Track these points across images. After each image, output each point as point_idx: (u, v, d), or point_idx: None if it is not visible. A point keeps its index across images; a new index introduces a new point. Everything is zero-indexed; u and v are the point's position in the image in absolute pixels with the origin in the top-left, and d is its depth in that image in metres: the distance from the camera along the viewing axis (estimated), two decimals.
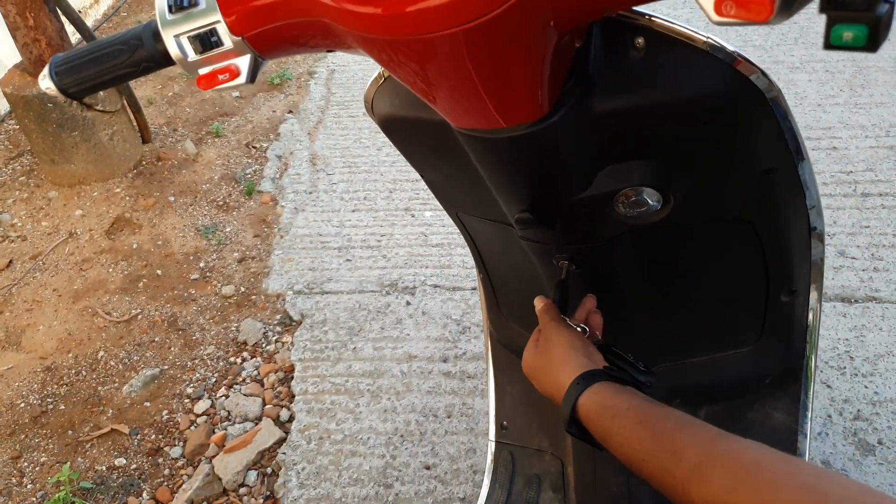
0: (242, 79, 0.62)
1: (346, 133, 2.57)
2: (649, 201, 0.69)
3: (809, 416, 0.95)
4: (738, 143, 0.65)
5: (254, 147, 2.55)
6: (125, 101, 2.33)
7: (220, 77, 0.62)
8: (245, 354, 1.79)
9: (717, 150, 0.65)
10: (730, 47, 0.58)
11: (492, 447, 1.21)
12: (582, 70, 0.58)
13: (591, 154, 0.65)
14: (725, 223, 0.79)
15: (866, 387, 1.51)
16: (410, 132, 0.76)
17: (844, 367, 1.55)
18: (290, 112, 2.73)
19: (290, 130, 2.60)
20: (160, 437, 1.61)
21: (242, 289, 1.97)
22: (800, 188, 0.73)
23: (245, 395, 1.67)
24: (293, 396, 1.65)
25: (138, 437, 1.61)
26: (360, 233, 2.10)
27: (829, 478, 0.48)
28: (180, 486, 1.51)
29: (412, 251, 2.02)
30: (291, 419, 1.61)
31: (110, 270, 2.05)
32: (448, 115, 0.61)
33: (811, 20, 2.79)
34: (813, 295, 0.92)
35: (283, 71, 2.97)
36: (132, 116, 2.40)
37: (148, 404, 1.68)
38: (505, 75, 0.52)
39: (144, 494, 1.50)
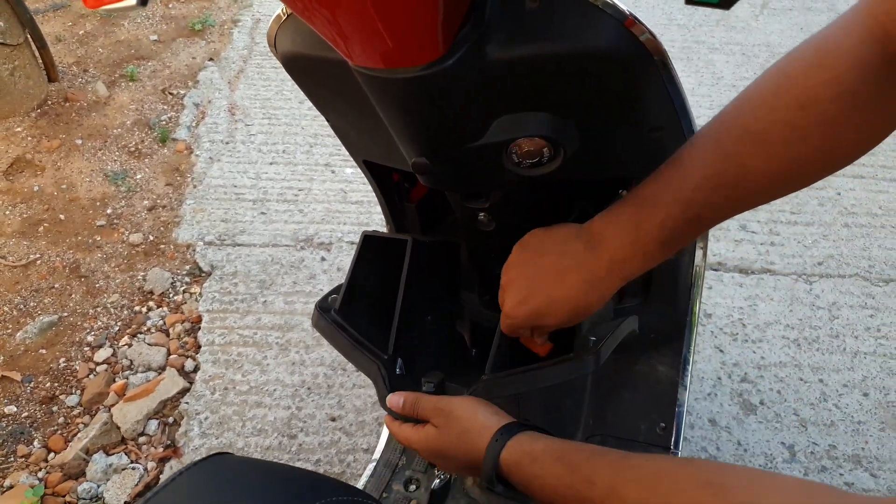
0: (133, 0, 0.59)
1: (269, 84, 2.49)
2: (541, 153, 0.70)
3: (689, 369, 1.01)
4: (626, 101, 0.67)
5: (170, 93, 2.44)
6: (28, 35, 2.19)
7: None
8: (151, 304, 1.73)
9: (606, 106, 0.67)
10: (623, 7, 0.59)
11: None
12: (478, 16, 0.58)
13: (485, 102, 0.65)
14: (613, 181, 0.81)
15: (754, 352, 1.60)
16: (312, 71, 0.75)
17: (737, 334, 1.64)
18: (211, 60, 2.62)
19: (210, 78, 2.51)
20: (56, 385, 1.55)
21: (151, 237, 1.91)
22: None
23: (149, 344, 1.63)
24: (199, 347, 1.62)
25: (31, 384, 1.54)
26: (277, 186, 2.06)
27: (727, 470, 0.52)
28: (75, 434, 1.46)
29: (330, 207, 1.99)
30: (196, 370, 1.58)
31: (7, 213, 1.94)
32: (344, 50, 0.60)
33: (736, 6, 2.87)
34: (698, 254, 0.96)
35: (206, 17, 2.85)
36: (37, 52, 2.25)
37: (44, 351, 1.61)
38: (401, 9, 0.52)
39: (36, 443, 1.44)
